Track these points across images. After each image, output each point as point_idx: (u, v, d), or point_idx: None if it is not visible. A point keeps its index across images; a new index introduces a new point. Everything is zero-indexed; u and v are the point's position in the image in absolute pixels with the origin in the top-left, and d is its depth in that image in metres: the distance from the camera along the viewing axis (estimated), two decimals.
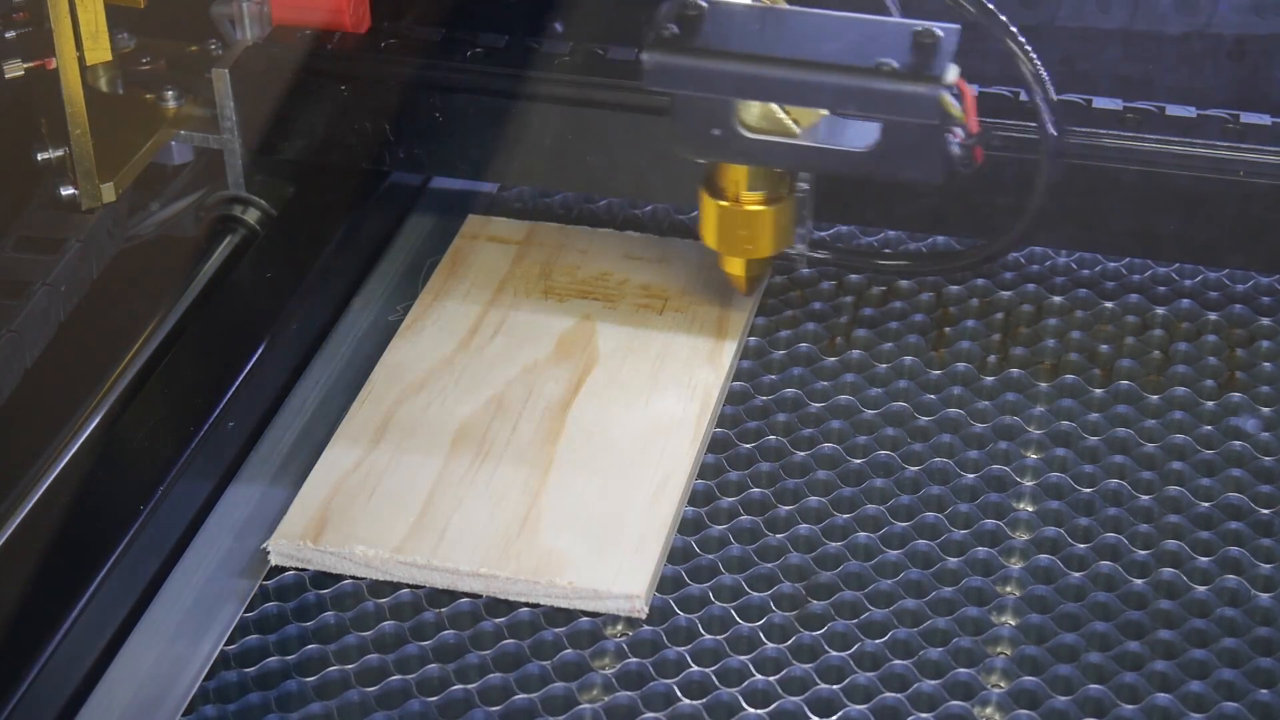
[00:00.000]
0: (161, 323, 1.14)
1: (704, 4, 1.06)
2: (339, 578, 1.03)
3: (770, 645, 0.99)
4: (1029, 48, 1.06)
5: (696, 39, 1.06)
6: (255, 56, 1.22)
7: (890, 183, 1.12)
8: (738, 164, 1.11)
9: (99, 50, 1.17)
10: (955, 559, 1.03)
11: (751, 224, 1.13)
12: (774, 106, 1.08)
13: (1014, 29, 1.06)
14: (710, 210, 1.13)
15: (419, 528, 1.03)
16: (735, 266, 1.15)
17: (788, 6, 1.08)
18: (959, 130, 1.05)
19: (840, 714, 0.96)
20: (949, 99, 1.03)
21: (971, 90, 1.05)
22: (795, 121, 1.09)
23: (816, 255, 1.15)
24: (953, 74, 1.03)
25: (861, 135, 1.08)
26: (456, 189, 1.30)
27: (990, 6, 1.07)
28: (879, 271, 1.20)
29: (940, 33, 1.04)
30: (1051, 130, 1.07)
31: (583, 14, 1.32)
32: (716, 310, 1.18)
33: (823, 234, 1.23)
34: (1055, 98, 1.06)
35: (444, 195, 1.30)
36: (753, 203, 1.12)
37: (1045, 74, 1.07)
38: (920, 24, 1.04)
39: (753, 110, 1.08)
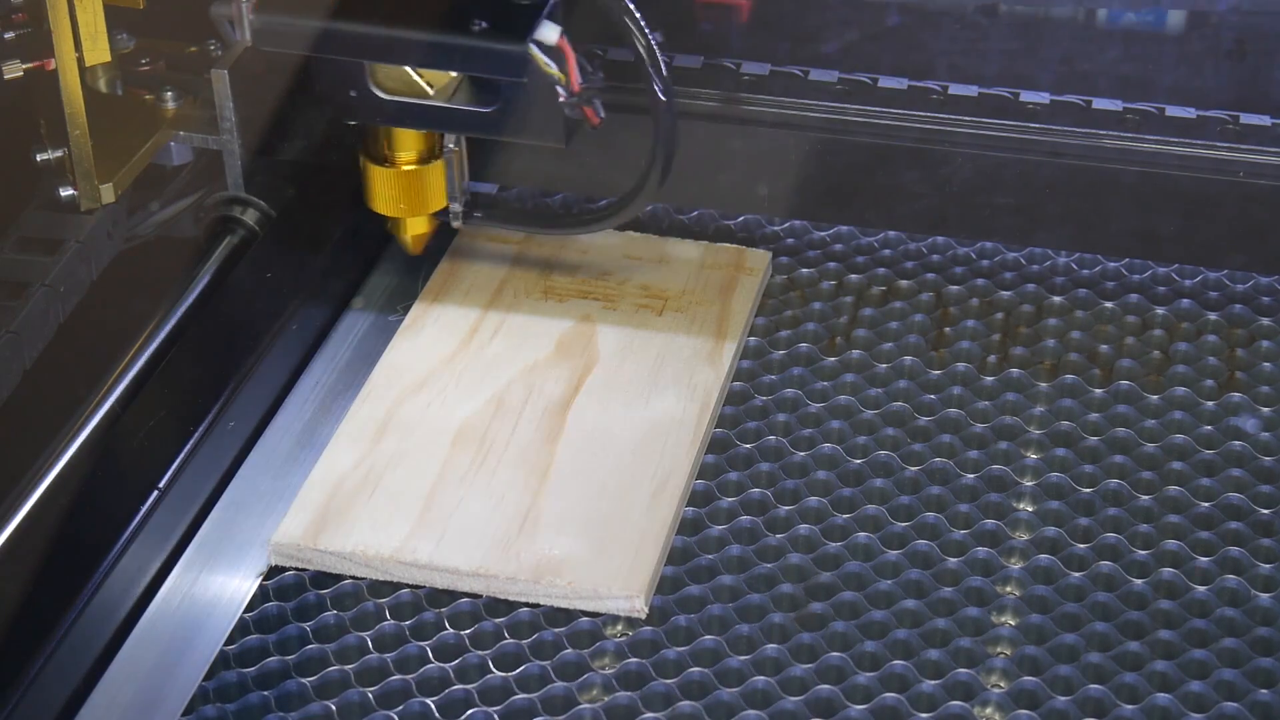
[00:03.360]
0: (161, 323, 1.14)
1: None
2: (339, 578, 1.03)
3: (770, 646, 0.99)
4: (641, 22, 1.06)
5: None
6: (255, 57, 1.21)
7: (517, 142, 1.15)
8: (375, 125, 1.13)
9: (98, 51, 1.17)
10: (955, 559, 1.03)
11: (404, 184, 1.15)
12: (407, 69, 1.10)
13: (630, 5, 1.06)
14: (368, 174, 1.15)
15: (419, 528, 1.03)
16: (398, 228, 1.17)
17: None
18: (562, 90, 1.07)
19: (840, 714, 0.96)
20: (541, 57, 1.05)
21: (576, 51, 1.06)
22: (429, 84, 1.11)
23: (475, 215, 1.16)
24: (550, 34, 1.06)
25: (490, 97, 1.10)
26: None
27: None
28: (524, 229, 1.21)
29: None
30: (662, 97, 1.08)
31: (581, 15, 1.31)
32: (716, 310, 1.18)
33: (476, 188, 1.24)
34: (666, 69, 1.07)
35: None
36: (405, 163, 1.14)
37: (657, 46, 1.07)
38: None
39: (387, 72, 1.10)
